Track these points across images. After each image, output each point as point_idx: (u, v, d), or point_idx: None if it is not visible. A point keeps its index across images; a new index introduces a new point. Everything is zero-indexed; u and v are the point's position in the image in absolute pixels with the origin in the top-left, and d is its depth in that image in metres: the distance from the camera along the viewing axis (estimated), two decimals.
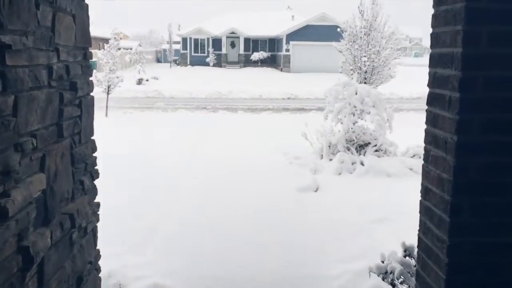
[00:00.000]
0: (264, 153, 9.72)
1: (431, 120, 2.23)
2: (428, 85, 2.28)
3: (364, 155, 8.86)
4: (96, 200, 2.84)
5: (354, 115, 9.27)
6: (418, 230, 2.39)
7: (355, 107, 9.18)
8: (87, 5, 2.72)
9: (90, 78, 2.74)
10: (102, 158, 6.82)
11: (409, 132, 11.66)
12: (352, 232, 5.19)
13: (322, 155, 9.29)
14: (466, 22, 1.92)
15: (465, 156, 1.98)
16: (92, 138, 2.78)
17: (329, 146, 9.28)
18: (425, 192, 2.29)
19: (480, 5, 1.91)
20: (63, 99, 2.31)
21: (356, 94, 9.14)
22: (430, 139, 2.25)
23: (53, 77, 2.18)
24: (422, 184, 2.34)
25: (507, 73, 1.95)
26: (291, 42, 42.51)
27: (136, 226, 5.15)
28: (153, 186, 6.89)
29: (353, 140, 9.17)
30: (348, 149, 9.08)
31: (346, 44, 17.46)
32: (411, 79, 31.73)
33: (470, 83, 1.95)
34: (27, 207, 1.87)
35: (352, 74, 16.75)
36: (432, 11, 2.26)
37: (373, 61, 16.60)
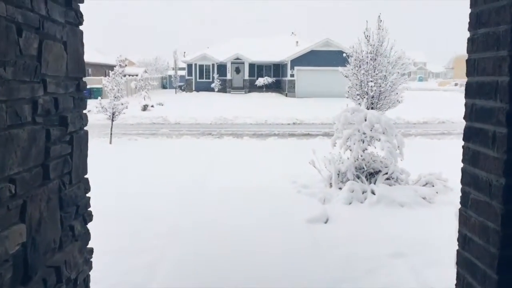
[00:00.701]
0: (271, 181, 9.41)
1: (470, 158, 1.95)
2: (464, 118, 2.00)
3: (375, 184, 8.53)
4: (89, 246, 2.55)
5: (363, 142, 8.97)
6: (456, 285, 2.08)
7: (364, 133, 8.90)
8: (81, 32, 2.48)
9: (84, 111, 2.49)
10: (104, 188, 6.63)
11: (419, 158, 11.35)
12: (367, 269, 4.85)
13: (331, 184, 8.96)
14: None
15: None
16: (86, 176, 2.51)
17: (338, 174, 8.97)
18: (464, 241, 1.99)
19: None
20: (50, 136, 2.04)
21: (366, 120, 8.87)
22: (469, 180, 1.96)
23: (38, 112, 1.92)
24: (459, 231, 2.04)
25: None
26: (295, 67, 42.62)
27: (134, 265, 4.83)
28: (152, 217, 6.58)
29: (363, 168, 8.86)
30: (358, 177, 8.76)
31: (352, 69, 17.29)
32: (417, 103, 31.55)
33: None
34: (1, 267, 1.59)
35: (358, 99, 16.52)
36: (466, 34, 2.00)
37: (380, 86, 16.38)
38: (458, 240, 2.04)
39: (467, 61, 1.98)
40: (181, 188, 8.64)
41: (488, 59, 1.80)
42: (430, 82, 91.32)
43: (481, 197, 1.84)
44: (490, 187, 1.77)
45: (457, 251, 2.04)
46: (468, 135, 1.96)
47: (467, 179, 1.97)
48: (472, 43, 1.94)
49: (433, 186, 8.61)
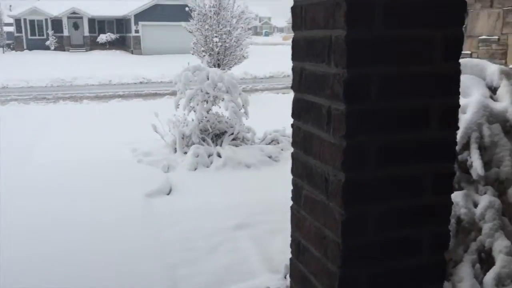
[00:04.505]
0: (109, 150, 8.46)
1: (301, 141, 1.45)
2: (292, 88, 1.49)
3: (221, 146, 8.15)
4: None
5: (207, 102, 8.48)
6: None
7: (207, 93, 8.39)
8: None
9: None
10: None
11: (267, 115, 11.27)
12: (209, 247, 4.41)
13: (175, 149, 8.36)
14: None
15: (358, 205, 1.24)
16: None
17: (183, 138, 8.39)
18: (298, 249, 1.52)
19: None
20: None
21: (208, 79, 8.34)
22: (301, 170, 1.47)
23: None
24: (292, 236, 1.56)
25: (410, 67, 1.24)
26: (140, 23, 40.36)
27: None
28: None
29: (208, 130, 8.39)
30: (204, 140, 8.29)
31: (196, 24, 16.53)
32: (264, 58, 32.13)
33: (361, 86, 1.19)
34: None
35: (204, 55, 15.95)
36: None
37: (225, 41, 15.95)
38: (290, 246, 1.57)
39: (292, 9, 1.45)
40: None
41: (319, 5, 1.28)
42: (275, 37, 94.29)
43: (317, 195, 1.36)
44: (326, 183, 1.29)
45: (290, 260, 1.58)
46: (298, 111, 1.45)
47: (298, 169, 1.48)
48: None
49: (278, 143, 8.52)
